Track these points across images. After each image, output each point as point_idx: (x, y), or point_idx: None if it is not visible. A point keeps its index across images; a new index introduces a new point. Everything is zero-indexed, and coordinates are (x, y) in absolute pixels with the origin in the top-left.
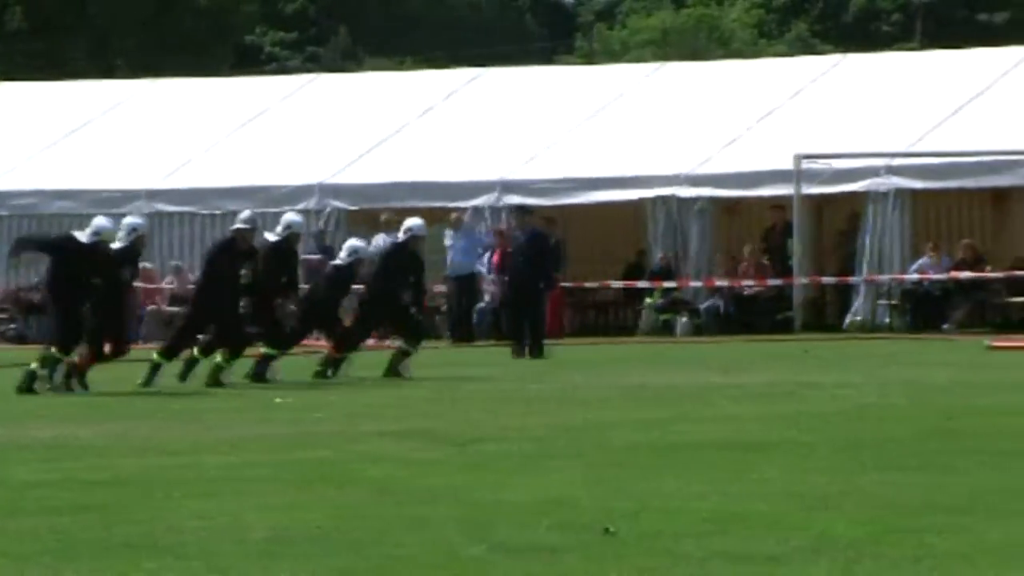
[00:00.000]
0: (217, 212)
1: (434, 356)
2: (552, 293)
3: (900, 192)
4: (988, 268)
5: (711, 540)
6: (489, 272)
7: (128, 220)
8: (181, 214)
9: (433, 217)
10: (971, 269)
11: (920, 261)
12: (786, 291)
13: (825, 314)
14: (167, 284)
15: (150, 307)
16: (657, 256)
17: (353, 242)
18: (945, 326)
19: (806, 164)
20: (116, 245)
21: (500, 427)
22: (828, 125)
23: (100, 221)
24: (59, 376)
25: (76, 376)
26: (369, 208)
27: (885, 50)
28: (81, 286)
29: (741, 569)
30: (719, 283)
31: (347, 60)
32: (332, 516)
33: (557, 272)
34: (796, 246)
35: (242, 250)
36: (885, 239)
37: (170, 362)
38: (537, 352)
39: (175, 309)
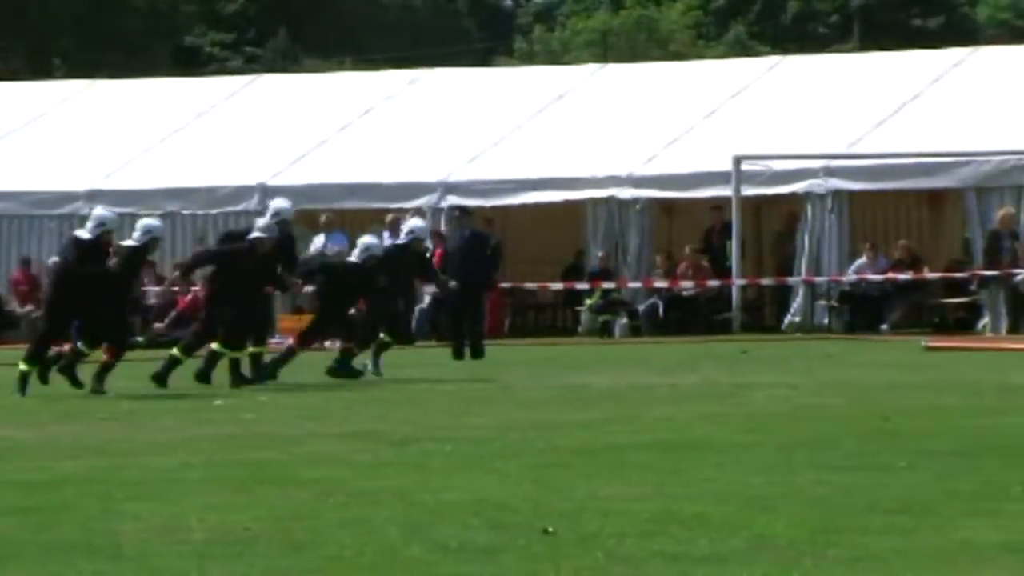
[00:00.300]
0: (157, 213)
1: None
2: (491, 294)
3: (838, 193)
4: (925, 269)
5: (650, 541)
6: None
7: (145, 221)
8: (121, 215)
9: (374, 219)
10: (908, 270)
11: (858, 262)
12: (725, 292)
13: (763, 315)
14: None
15: None
16: (596, 257)
17: (367, 239)
18: (882, 327)
19: (745, 165)
20: (129, 243)
21: (440, 428)
22: (766, 127)
23: (101, 211)
24: (98, 382)
25: (100, 375)
26: (309, 209)
27: (822, 52)
28: (87, 281)
29: (680, 569)
30: (658, 284)
31: (286, 61)
32: (271, 517)
33: (496, 273)
34: (734, 247)
35: (260, 256)
36: (823, 240)
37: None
38: (477, 353)
39: None
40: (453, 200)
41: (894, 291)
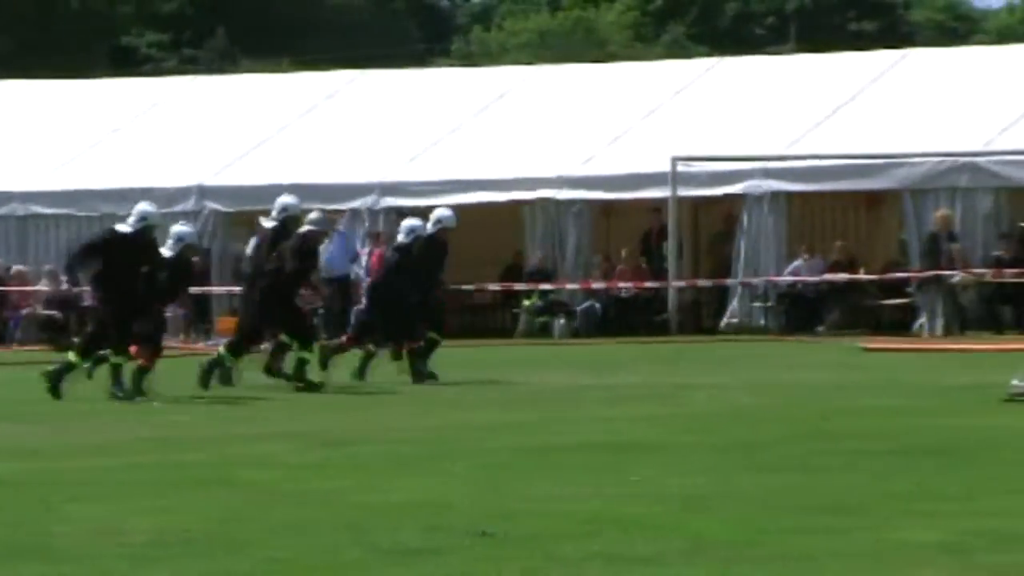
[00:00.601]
0: (94, 214)
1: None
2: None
3: (775, 195)
4: (861, 270)
5: (588, 542)
6: (367, 275)
7: (176, 228)
8: (57, 216)
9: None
10: (845, 271)
11: (795, 263)
12: (662, 293)
13: (701, 316)
14: (43, 287)
15: (26, 310)
16: (534, 258)
17: (412, 222)
18: (819, 328)
19: (682, 167)
20: (166, 253)
21: (378, 429)
22: (704, 128)
23: (143, 207)
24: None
25: (139, 378)
26: (248, 210)
27: (759, 54)
28: (131, 277)
29: (618, 570)
30: (596, 285)
31: (224, 61)
32: (211, 519)
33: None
34: (672, 248)
35: (309, 250)
36: (760, 241)
37: (237, 359)
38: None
39: (52, 313)
40: (391, 201)
41: (831, 292)
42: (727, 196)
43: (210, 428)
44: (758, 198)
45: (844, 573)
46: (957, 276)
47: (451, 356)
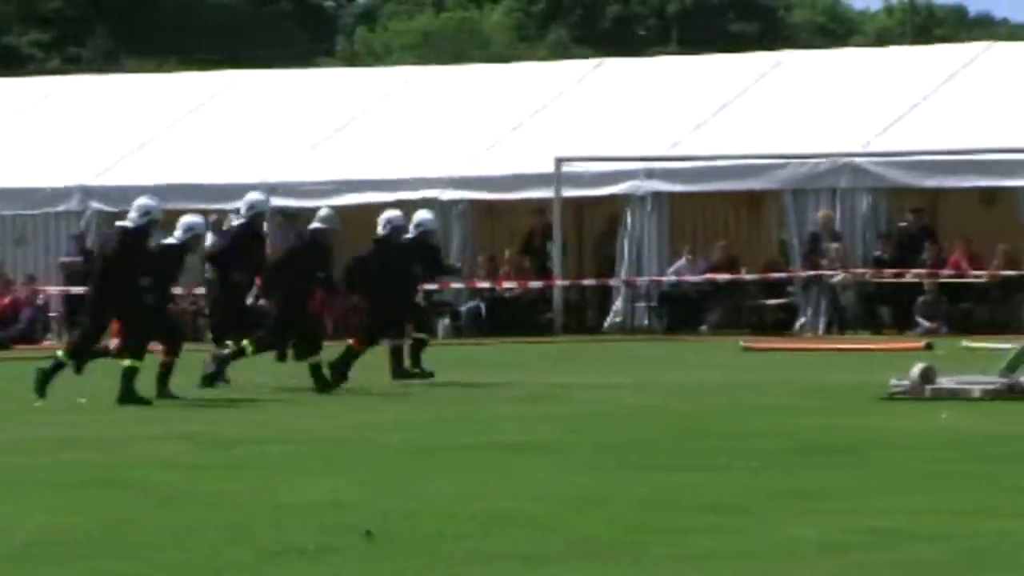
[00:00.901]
0: None
1: (199, 359)
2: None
3: (658, 195)
4: (743, 270)
5: (474, 541)
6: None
7: (187, 219)
8: None
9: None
10: (727, 271)
11: (677, 263)
12: (547, 293)
13: (585, 316)
14: None
15: None
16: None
17: (390, 213)
18: (702, 328)
19: (566, 167)
20: (171, 241)
21: (268, 429)
22: (587, 129)
23: (146, 200)
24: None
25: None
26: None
27: (642, 55)
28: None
29: (503, 570)
30: (480, 285)
31: (107, 61)
32: (99, 520)
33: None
34: (556, 248)
35: (321, 250)
36: (643, 242)
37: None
38: (301, 354)
39: None
40: (276, 201)
41: (713, 292)
42: (611, 196)
43: (110, 429)
44: (641, 198)
45: (726, 572)
46: (838, 276)
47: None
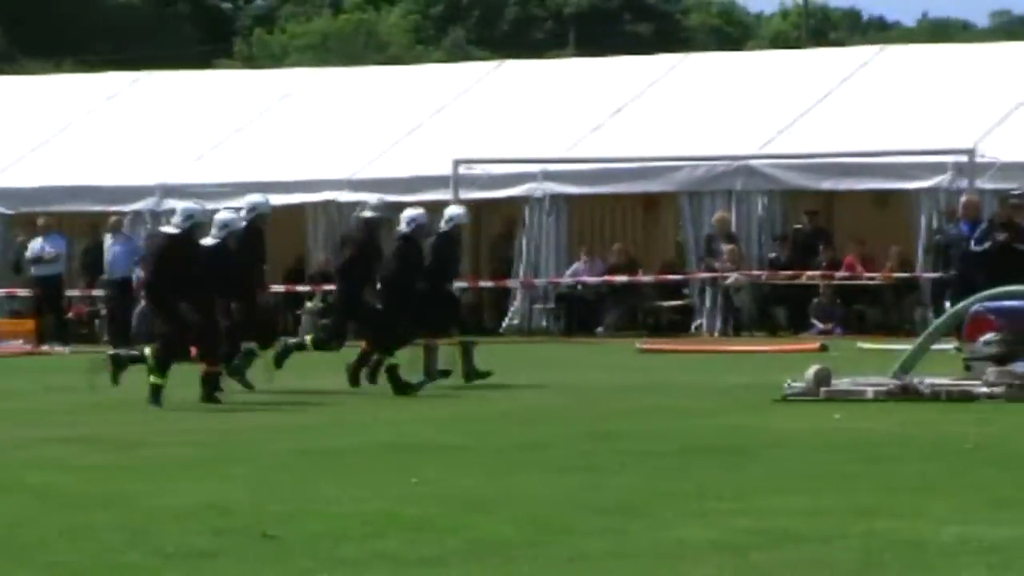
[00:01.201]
0: None
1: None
2: None
3: (555, 197)
4: (640, 272)
5: (370, 543)
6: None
7: (221, 216)
8: None
9: (98, 222)
10: (624, 273)
11: (575, 265)
12: None
13: (483, 317)
14: None
15: None
16: (317, 260)
17: (412, 212)
18: (599, 329)
19: (464, 169)
20: (209, 241)
21: (162, 432)
22: (486, 131)
23: (191, 204)
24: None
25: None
26: (28, 212)
27: (540, 57)
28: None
29: (400, 572)
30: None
31: (3, 61)
32: None
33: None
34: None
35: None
36: (541, 243)
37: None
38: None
39: None
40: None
41: (610, 294)
42: (508, 198)
43: (6, 431)
44: (539, 200)
45: (622, 573)
46: (733, 277)
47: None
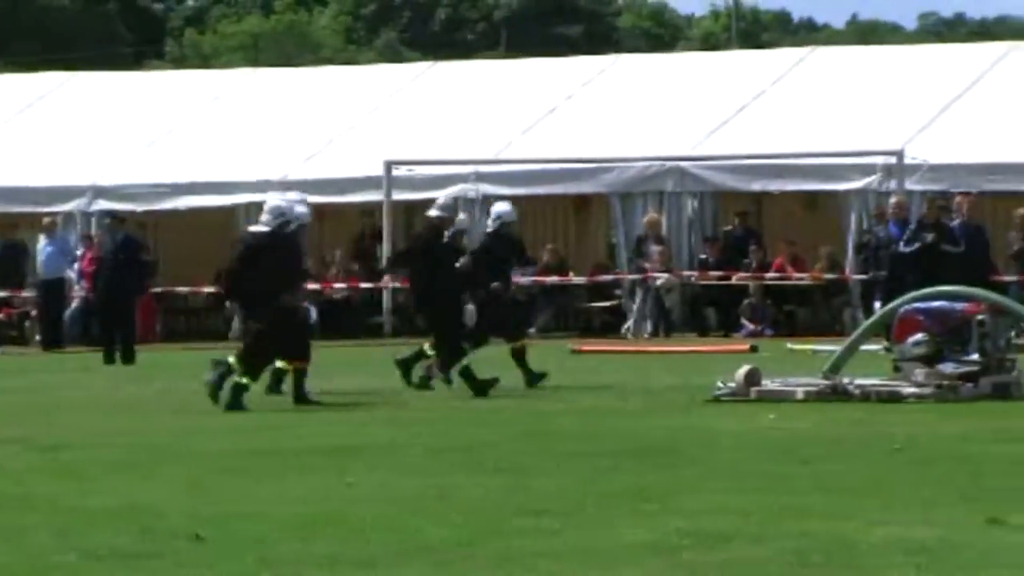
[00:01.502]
0: None
1: (25, 362)
2: (143, 298)
3: (487, 198)
4: (571, 273)
5: (304, 544)
6: (79, 278)
7: (272, 203)
8: None
9: (33, 223)
10: (555, 274)
11: None
12: (377, 296)
13: (415, 319)
14: None
15: None
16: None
17: (500, 207)
18: (530, 330)
19: (396, 171)
20: (260, 229)
21: (91, 433)
22: (417, 132)
23: (279, 201)
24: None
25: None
26: None
27: (471, 58)
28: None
29: (333, 573)
30: (310, 287)
31: None
32: None
33: (148, 279)
34: (386, 251)
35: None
36: (472, 245)
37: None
38: (128, 357)
39: None
40: (103, 204)
41: (542, 294)
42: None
43: None
44: (471, 201)
45: (556, 573)
46: (663, 279)
47: (165, 359)
